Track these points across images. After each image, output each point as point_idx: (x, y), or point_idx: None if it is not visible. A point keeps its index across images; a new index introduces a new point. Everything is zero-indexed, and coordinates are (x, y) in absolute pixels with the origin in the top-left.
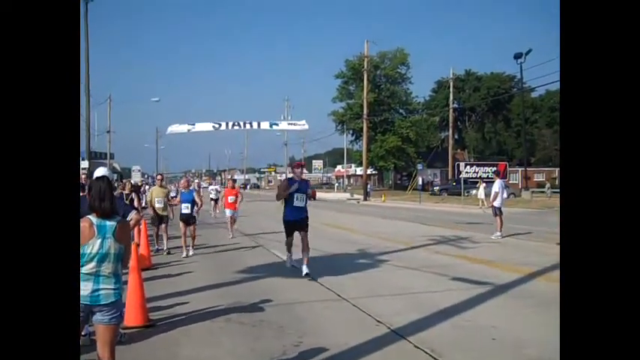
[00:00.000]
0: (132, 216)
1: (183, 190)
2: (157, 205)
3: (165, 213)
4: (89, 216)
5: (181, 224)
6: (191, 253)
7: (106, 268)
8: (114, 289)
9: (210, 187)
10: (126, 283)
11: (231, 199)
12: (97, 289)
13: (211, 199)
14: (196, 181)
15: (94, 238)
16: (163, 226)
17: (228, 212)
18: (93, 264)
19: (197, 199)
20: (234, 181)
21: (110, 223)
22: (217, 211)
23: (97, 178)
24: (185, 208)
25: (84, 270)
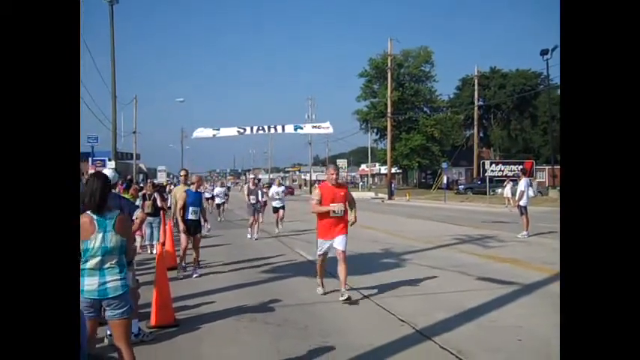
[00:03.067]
0: (137, 214)
1: (192, 190)
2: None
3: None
4: (88, 212)
5: (182, 236)
6: (196, 274)
7: (110, 260)
8: (120, 279)
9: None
10: (152, 282)
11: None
12: (104, 282)
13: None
14: (255, 180)
15: (95, 232)
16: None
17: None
18: (97, 258)
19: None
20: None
21: (108, 217)
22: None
23: (92, 174)
24: (192, 214)
25: (88, 265)
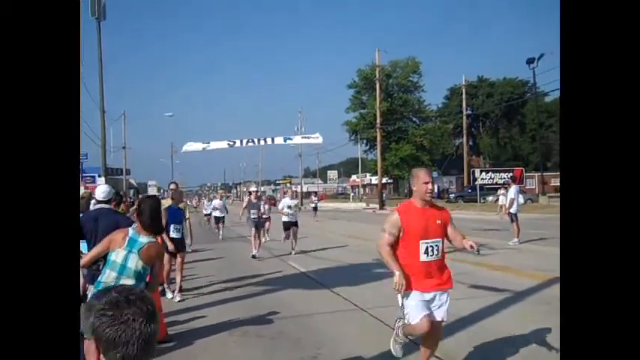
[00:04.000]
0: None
1: (172, 205)
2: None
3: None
4: (129, 228)
5: (165, 256)
6: (178, 298)
7: (125, 281)
8: None
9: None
10: None
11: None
12: None
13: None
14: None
15: (122, 248)
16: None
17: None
18: (114, 274)
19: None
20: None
21: (141, 240)
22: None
23: (149, 197)
24: (173, 232)
25: (103, 278)
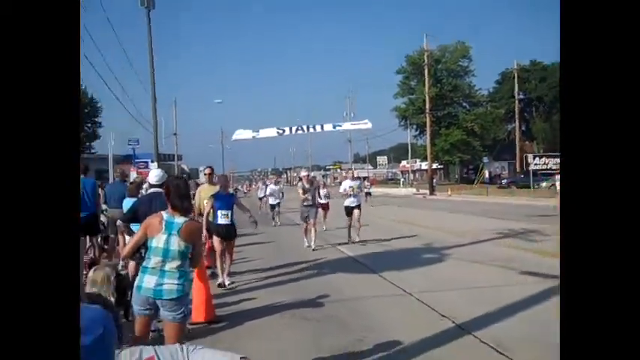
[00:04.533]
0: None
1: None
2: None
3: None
4: (163, 212)
5: (216, 240)
6: (227, 282)
7: (171, 264)
8: (177, 284)
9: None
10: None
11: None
12: (161, 283)
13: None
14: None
15: (161, 233)
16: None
17: None
18: (158, 259)
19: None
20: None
21: (178, 221)
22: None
23: (176, 177)
24: (222, 217)
25: (150, 264)
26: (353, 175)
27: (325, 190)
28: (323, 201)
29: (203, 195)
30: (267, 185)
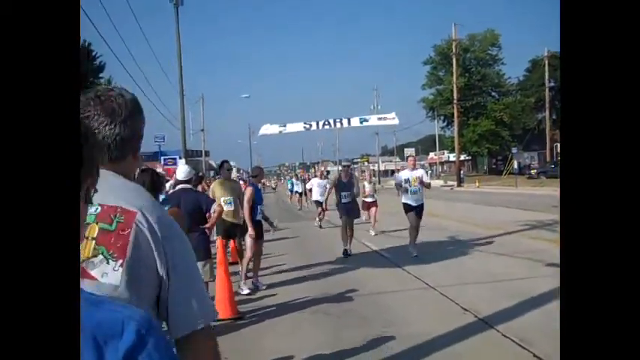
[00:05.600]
0: (214, 208)
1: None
2: (225, 208)
3: (236, 220)
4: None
5: (249, 240)
6: (261, 285)
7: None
8: None
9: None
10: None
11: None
12: None
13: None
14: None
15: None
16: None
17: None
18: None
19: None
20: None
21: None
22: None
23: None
24: (260, 214)
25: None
26: (414, 164)
27: (371, 184)
28: (370, 199)
29: (217, 192)
30: (303, 180)
